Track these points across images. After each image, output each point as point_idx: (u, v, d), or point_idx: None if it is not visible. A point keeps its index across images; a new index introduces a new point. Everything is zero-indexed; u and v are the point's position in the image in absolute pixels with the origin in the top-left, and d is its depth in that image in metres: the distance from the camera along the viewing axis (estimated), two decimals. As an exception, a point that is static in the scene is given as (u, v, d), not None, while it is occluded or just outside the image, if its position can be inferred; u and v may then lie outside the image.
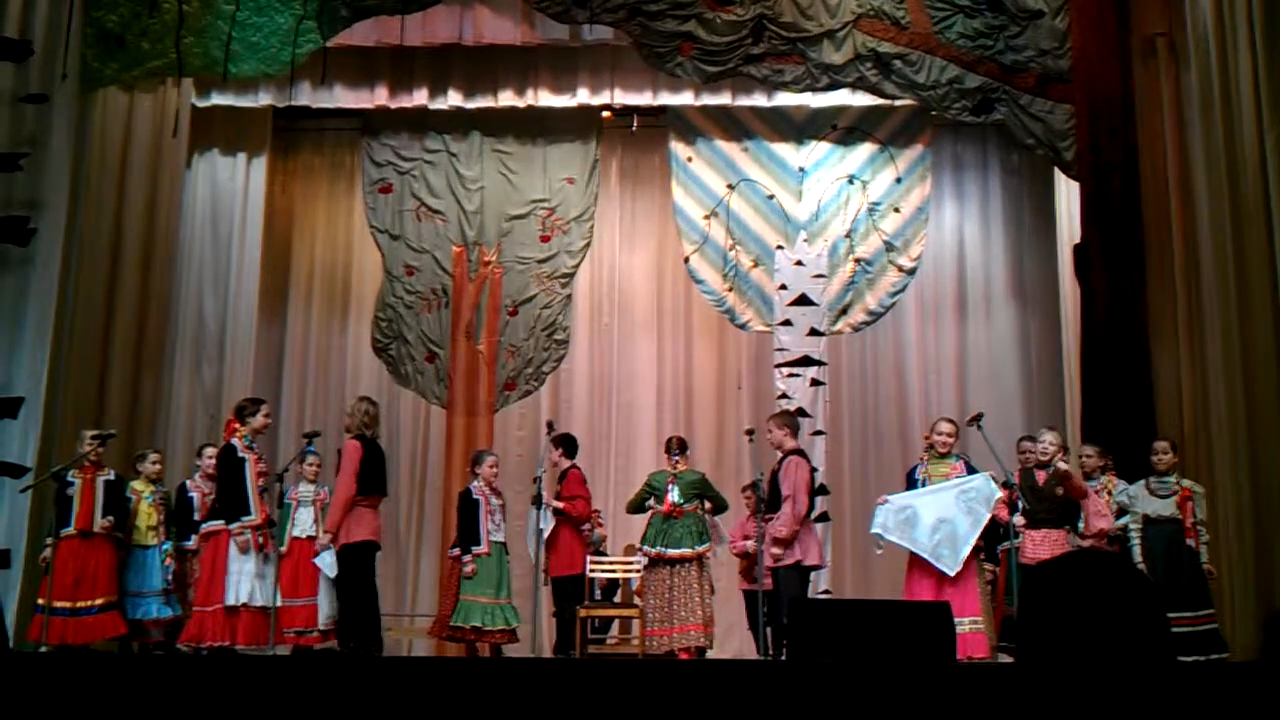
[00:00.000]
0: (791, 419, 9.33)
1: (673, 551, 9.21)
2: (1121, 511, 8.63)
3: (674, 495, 9.35)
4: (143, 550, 9.23)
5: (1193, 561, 8.31)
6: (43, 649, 8.44)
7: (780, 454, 8.92)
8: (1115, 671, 1.99)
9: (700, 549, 9.25)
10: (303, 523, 9.60)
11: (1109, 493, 8.70)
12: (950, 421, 9.08)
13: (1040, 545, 8.36)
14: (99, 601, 8.91)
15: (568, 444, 10.14)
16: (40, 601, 8.71)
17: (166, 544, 9.28)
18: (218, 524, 8.93)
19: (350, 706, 4.80)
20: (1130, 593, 2.01)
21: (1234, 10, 8.91)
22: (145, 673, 5.26)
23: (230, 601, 8.71)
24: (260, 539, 8.85)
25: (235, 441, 8.99)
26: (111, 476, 9.20)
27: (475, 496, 9.61)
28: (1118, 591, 2.02)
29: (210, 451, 9.73)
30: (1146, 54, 10.19)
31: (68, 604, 8.76)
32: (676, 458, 9.53)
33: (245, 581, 8.76)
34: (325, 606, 9.15)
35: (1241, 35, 8.86)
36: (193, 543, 9.41)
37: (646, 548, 9.34)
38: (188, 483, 9.65)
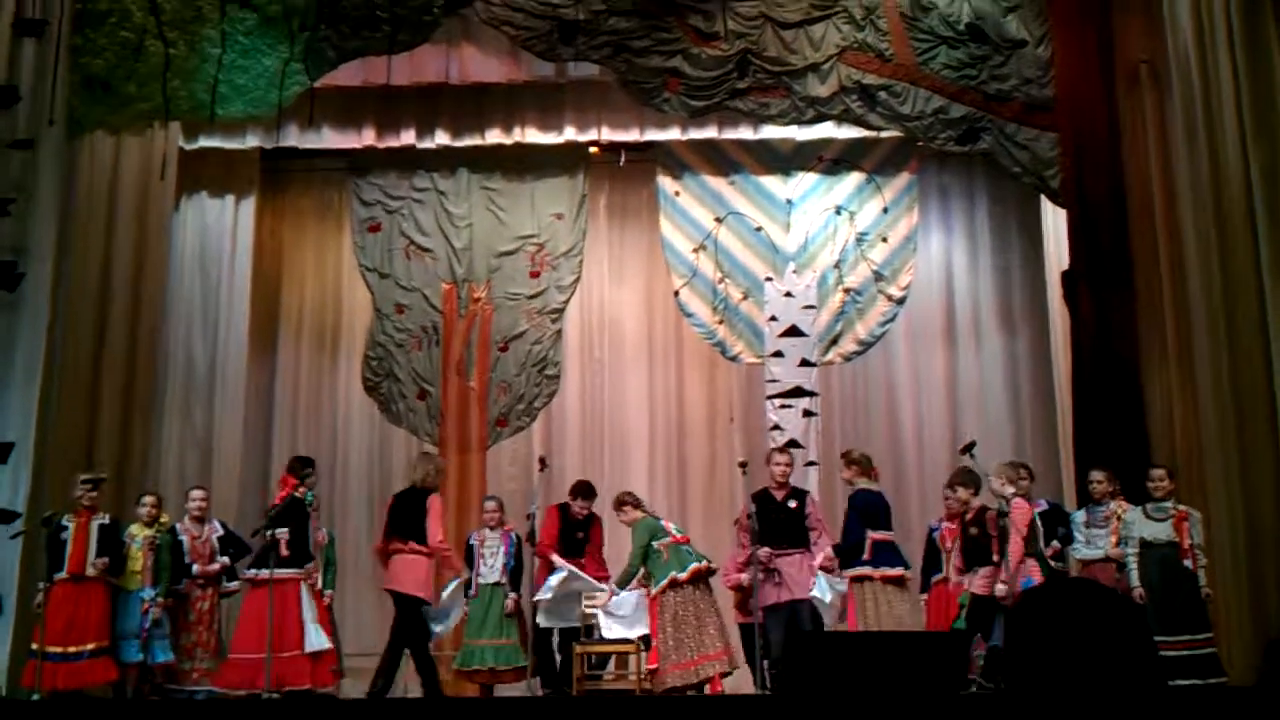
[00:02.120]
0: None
1: (694, 565, 9.10)
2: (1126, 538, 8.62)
3: (673, 528, 9.36)
4: (126, 594, 9.15)
5: (1190, 584, 8.29)
6: (35, 696, 8.37)
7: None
8: (1105, 697, 1.99)
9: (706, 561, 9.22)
10: None
11: (1119, 518, 8.66)
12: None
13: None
14: (90, 646, 8.83)
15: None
16: (34, 647, 8.66)
17: (147, 591, 9.14)
18: (256, 572, 9.16)
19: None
20: (1116, 619, 2.01)
21: (1215, 36, 8.98)
22: (133, 718, 5.22)
23: (311, 648, 9.02)
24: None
25: (298, 495, 9.26)
26: (106, 520, 9.15)
27: (472, 541, 9.85)
28: (1103, 618, 2.01)
29: (198, 494, 9.74)
30: (1130, 81, 10.25)
31: (59, 649, 8.71)
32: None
33: (315, 627, 9.11)
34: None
35: (1223, 61, 8.93)
36: (183, 587, 9.37)
37: (675, 573, 9.04)
38: (177, 526, 9.58)
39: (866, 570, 9.05)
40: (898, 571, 9.16)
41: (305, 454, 10.42)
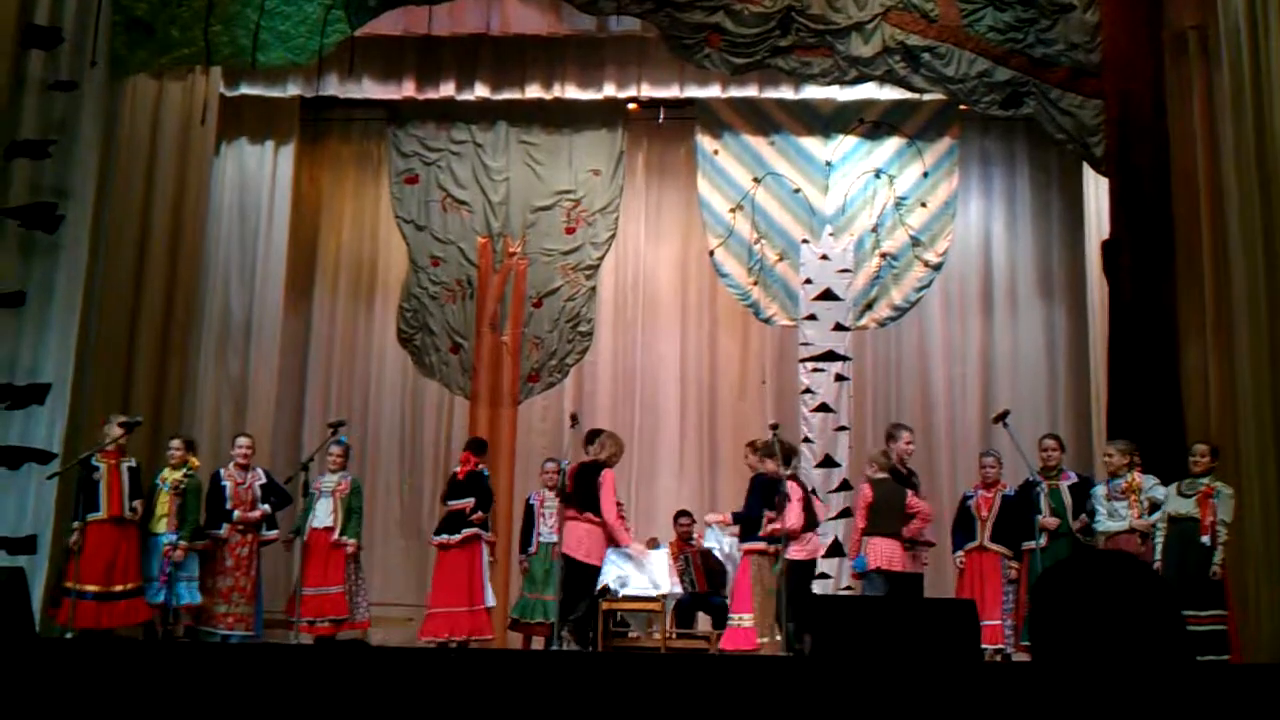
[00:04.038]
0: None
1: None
2: (1154, 507, 8.59)
3: None
4: (154, 537, 9.29)
5: (1204, 560, 8.23)
6: (69, 634, 8.49)
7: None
8: (1131, 671, 1.97)
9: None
10: (322, 513, 9.75)
11: (1136, 490, 8.65)
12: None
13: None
14: (130, 586, 9.03)
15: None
16: (69, 585, 8.79)
17: (171, 535, 9.26)
18: (448, 537, 10.00)
19: (375, 697, 4.80)
20: (1143, 591, 1.99)
21: (1267, 5, 8.83)
22: (166, 658, 5.28)
23: (489, 603, 9.96)
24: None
25: (479, 469, 10.25)
26: (133, 464, 9.28)
27: (532, 501, 10.26)
28: (1129, 590, 1.99)
29: (244, 441, 9.88)
30: (1178, 49, 10.12)
31: (100, 588, 8.85)
32: None
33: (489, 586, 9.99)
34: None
35: (1274, 30, 8.78)
36: (224, 531, 9.49)
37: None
38: (221, 471, 9.74)
39: (761, 545, 9.27)
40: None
41: (338, 411, 11.32)
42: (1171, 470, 8.60)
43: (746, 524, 9.40)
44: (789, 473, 9.23)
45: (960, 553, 9.47)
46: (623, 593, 9.38)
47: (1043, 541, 8.77)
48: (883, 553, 9.23)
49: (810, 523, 9.32)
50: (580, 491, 9.60)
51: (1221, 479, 8.52)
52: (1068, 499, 9.02)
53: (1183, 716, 1.99)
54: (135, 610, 9.07)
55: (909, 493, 9.48)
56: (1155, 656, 2.00)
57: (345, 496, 9.87)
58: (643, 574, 9.44)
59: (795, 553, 9.06)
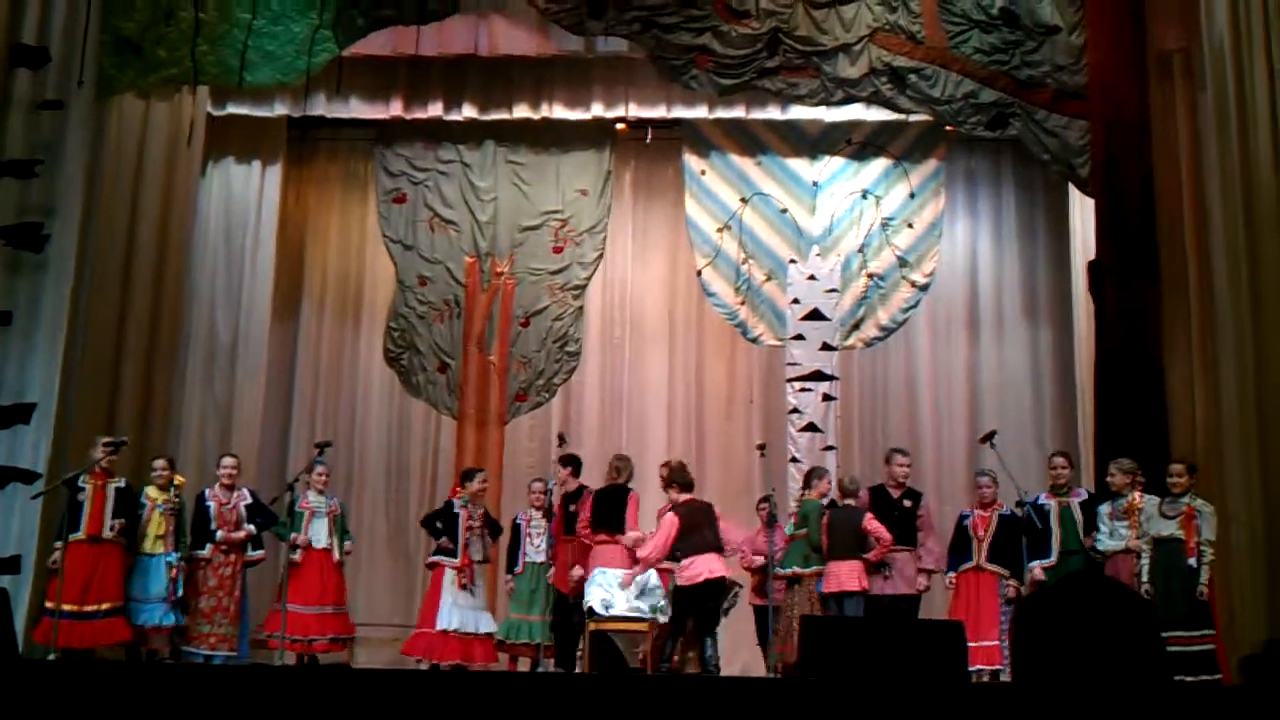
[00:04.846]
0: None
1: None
2: None
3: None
4: (148, 558, 9.26)
5: (1190, 581, 8.23)
6: (51, 655, 8.45)
7: None
8: (1111, 691, 1.97)
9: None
10: (318, 534, 9.79)
11: (1137, 511, 8.64)
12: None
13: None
14: (105, 606, 8.97)
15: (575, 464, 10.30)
16: (49, 604, 8.75)
17: (172, 555, 9.27)
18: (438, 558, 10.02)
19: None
20: (1123, 612, 2.00)
21: (1250, 28, 8.90)
22: (152, 680, 5.24)
23: (440, 627, 9.75)
24: (464, 579, 9.87)
25: (454, 500, 10.17)
26: (122, 484, 9.26)
27: (519, 521, 10.19)
28: (1109, 611, 2.00)
29: (229, 462, 9.88)
30: (1163, 71, 10.17)
31: (75, 607, 8.80)
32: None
33: (455, 612, 9.79)
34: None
35: (1258, 53, 8.86)
36: (207, 551, 9.47)
37: (798, 568, 9.55)
38: (206, 491, 9.73)
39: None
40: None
41: (324, 432, 11.37)
42: (1158, 490, 8.61)
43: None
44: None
45: (952, 574, 9.44)
46: (609, 613, 9.34)
47: (1051, 561, 8.80)
48: (838, 576, 9.24)
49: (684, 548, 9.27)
50: (609, 515, 9.65)
51: (1204, 497, 8.54)
52: (1079, 516, 9.03)
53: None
54: (112, 630, 8.99)
55: (868, 515, 9.46)
56: (1134, 677, 2.01)
57: (339, 518, 9.96)
58: (627, 596, 9.41)
59: (680, 580, 9.23)
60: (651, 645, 9.36)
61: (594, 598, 9.33)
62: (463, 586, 9.81)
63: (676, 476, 9.55)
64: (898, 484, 9.82)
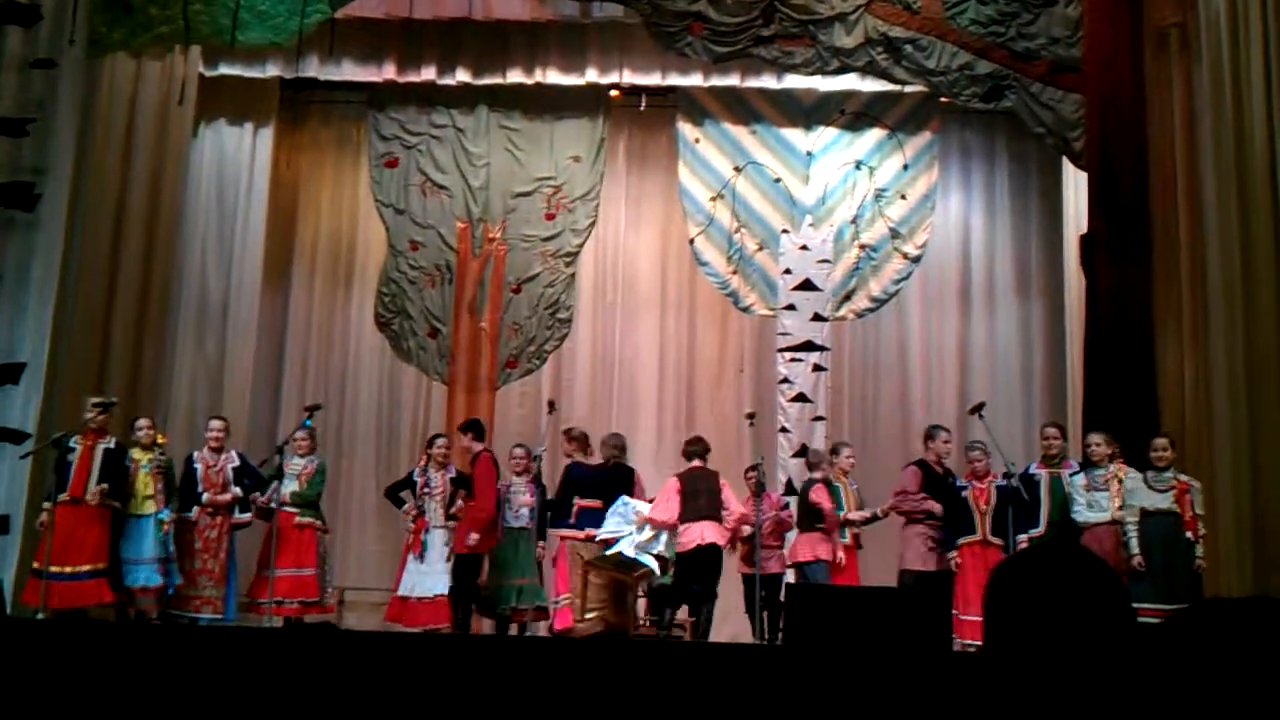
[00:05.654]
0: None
1: None
2: None
3: None
4: (137, 519, 9.22)
5: (1189, 555, 8.32)
6: (40, 615, 8.45)
7: None
8: (1078, 661, 1.99)
9: None
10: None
11: (1119, 481, 8.66)
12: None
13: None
14: (86, 567, 8.89)
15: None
16: (36, 565, 8.74)
17: (163, 512, 9.24)
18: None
19: (354, 681, 4.80)
20: (1091, 582, 2.01)
21: (1247, 3, 8.86)
22: (141, 641, 5.27)
23: (401, 593, 9.71)
24: (415, 545, 9.74)
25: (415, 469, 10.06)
26: (112, 444, 9.21)
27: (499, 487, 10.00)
28: (1078, 582, 2.01)
29: (217, 425, 9.81)
30: (1158, 45, 10.13)
31: (58, 568, 8.77)
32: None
33: (408, 577, 9.70)
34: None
35: (1254, 29, 8.82)
36: (194, 514, 9.44)
37: None
38: (194, 454, 9.67)
39: (573, 532, 9.57)
40: (595, 532, 9.48)
41: (314, 395, 10.98)
42: (1138, 464, 8.65)
43: (556, 510, 9.76)
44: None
45: (954, 551, 9.33)
46: (611, 551, 9.23)
47: (1039, 531, 8.83)
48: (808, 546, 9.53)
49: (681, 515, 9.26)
50: (621, 494, 9.56)
51: (1194, 472, 8.58)
52: (1069, 488, 9.04)
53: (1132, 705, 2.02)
54: (95, 591, 8.90)
55: (815, 488, 9.67)
56: (1103, 647, 2.02)
57: (310, 478, 9.80)
58: (636, 542, 9.31)
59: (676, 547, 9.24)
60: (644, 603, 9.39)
61: (610, 523, 9.29)
62: (415, 552, 9.73)
63: (688, 447, 9.76)
64: (938, 460, 9.67)
